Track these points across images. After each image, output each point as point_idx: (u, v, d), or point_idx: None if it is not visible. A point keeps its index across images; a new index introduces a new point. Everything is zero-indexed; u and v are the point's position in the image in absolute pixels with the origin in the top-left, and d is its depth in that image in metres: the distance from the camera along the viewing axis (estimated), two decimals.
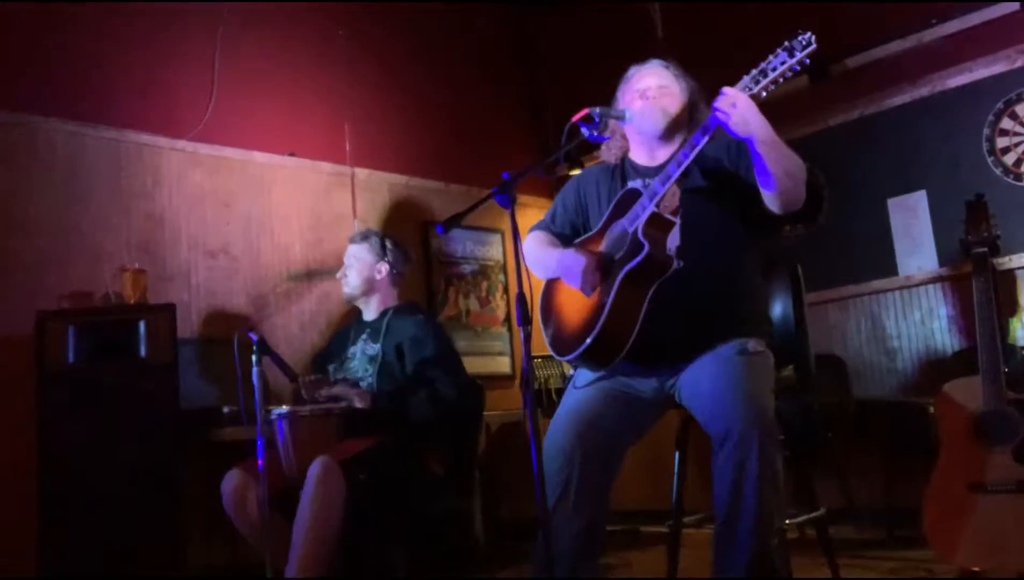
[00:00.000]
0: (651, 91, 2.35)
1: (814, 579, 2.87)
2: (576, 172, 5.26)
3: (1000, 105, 3.81)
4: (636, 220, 2.19)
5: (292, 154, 4.35)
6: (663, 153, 2.35)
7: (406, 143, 4.85)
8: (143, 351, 3.20)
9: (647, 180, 2.28)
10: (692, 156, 2.14)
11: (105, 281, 3.59)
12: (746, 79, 2.09)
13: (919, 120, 4.05)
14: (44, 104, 3.60)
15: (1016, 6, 3.74)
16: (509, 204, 2.02)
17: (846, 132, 4.26)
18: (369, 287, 3.15)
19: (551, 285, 2.42)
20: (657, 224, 2.17)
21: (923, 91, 4.05)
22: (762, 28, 4.51)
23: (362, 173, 4.61)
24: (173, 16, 4.05)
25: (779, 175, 2.12)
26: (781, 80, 2.06)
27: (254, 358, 2.49)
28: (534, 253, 2.49)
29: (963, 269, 3.76)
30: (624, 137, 2.44)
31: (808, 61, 2.04)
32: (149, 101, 3.93)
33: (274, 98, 4.36)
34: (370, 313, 3.18)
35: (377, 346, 3.02)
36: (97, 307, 3.46)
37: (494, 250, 5.18)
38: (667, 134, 2.33)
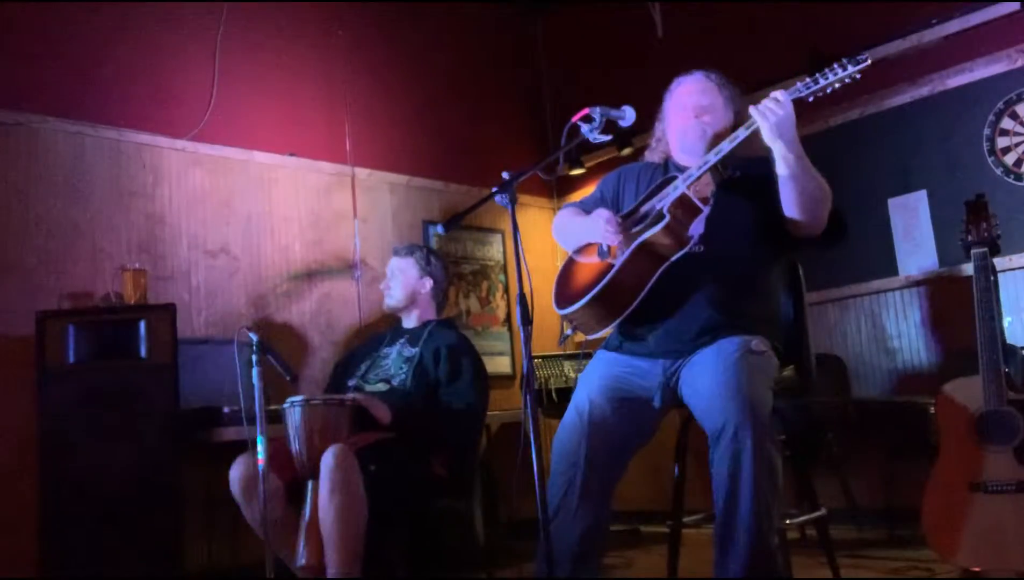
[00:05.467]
0: (693, 110, 2.40)
1: (814, 579, 2.87)
2: (577, 172, 5.28)
3: (1000, 105, 3.81)
4: (665, 198, 2.25)
5: (292, 154, 4.35)
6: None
7: (406, 143, 4.85)
8: (143, 351, 3.20)
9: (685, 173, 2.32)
10: (731, 147, 2.21)
11: (105, 281, 3.60)
12: (799, 85, 2.17)
13: (919, 120, 4.05)
14: (44, 104, 3.60)
15: (1016, 6, 3.74)
16: (509, 204, 2.03)
17: (846, 132, 4.26)
18: (412, 300, 3.24)
19: (569, 262, 2.48)
20: (685, 205, 2.22)
21: (923, 91, 4.04)
22: (762, 28, 4.52)
23: (362, 173, 4.61)
24: (173, 16, 4.05)
25: (799, 194, 2.19)
26: (829, 90, 2.15)
27: (254, 358, 2.49)
28: (564, 223, 2.55)
29: (963, 269, 3.76)
30: (668, 143, 2.50)
31: (859, 76, 2.13)
32: (149, 101, 3.93)
33: (274, 98, 4.36)
34: (411, 322, 3.25)
35: (416, 349, 3.08)
36: (97, 307, 3.46)
37: (494, 250, 5.18)
38: (709, 150, 2.36)
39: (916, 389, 3.91)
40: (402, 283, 3.24)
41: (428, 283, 3.25)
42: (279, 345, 3.94)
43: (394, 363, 3.10)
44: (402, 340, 3.18)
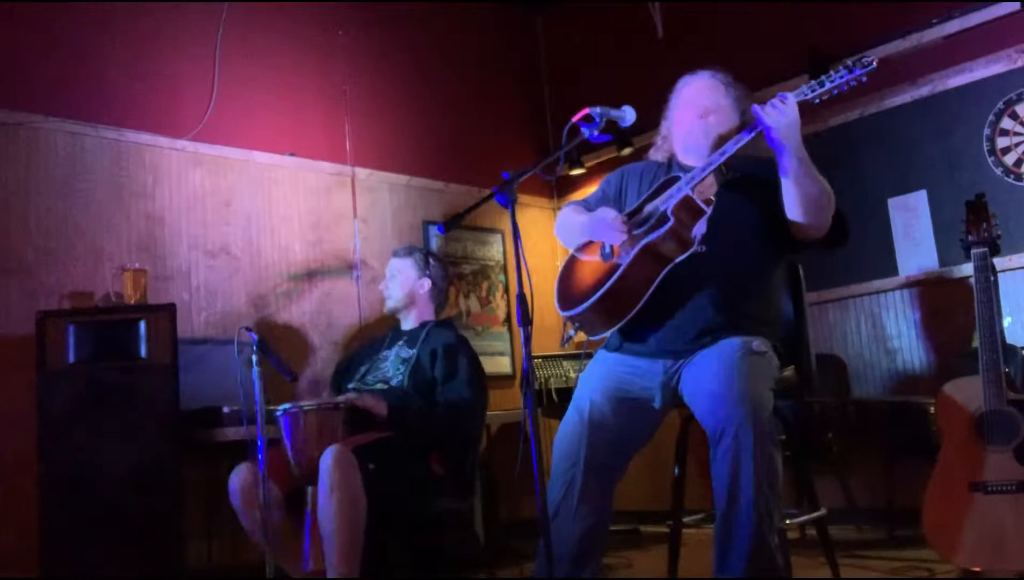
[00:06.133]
0: (699, 110, 2.40)
1: (814, 579, 2.87)
2: (577, 172, 5.28)
3: (1000, 105, 3.81)
4: (669, 200, 2.25)
5: (292, 154, 4.35)
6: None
7: (406, 143, 4.85)
8: (143, 351, 3.20)
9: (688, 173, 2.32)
10: (735, 148, 2.21)
11: (105, 281, 3.60)
12: (804, 88, 2.18)
13: (919, 120, 4.05)
14: (44, 104, 3.60)
15: (1016, 6, 3.74)
16: (509, 204, 2.03)
17: (846, 132, 4.26)
18: (410, 301, 3.26)
19: (571, 260, 2.48)
20: (688, 207, 2.22)
21: (923, 91, 4.04)
22: (762, 28, 4.52)
23: (362, 173, 4.61)
24: (173, 16, 4.05)
25: (803, 198, 2.19)
26: (835, 92, 2.17)
27: (254, 358, 2.49)
28: (567, 221, 2.53)
29: (963, 269, 3.76)
30: (672, 142, 2.50)
31: (865, 80, 2.14)
32: (149, 101, 3.93)
33: (274, 98, 4.36)
34: (409, 323, 3.26)
35: (413, 351, 3.09)
36: (97, 307, 3.46)
37: (494, 250, 5.18)
38: (714, 151, 2.35)
39: (916, 389, 3.91)
40: (400, 284, 3.26)
41: (426, 284, 3.26)
42: (279, 345, 3.95)
43: (392, 365, 3.11)
44: (400, 342, 3.19)
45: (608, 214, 2.32)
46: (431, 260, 3.31)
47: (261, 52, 4.34)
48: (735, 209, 2.32)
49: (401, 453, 2.80)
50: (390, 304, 3.29)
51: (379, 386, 3.05)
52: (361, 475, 2.56)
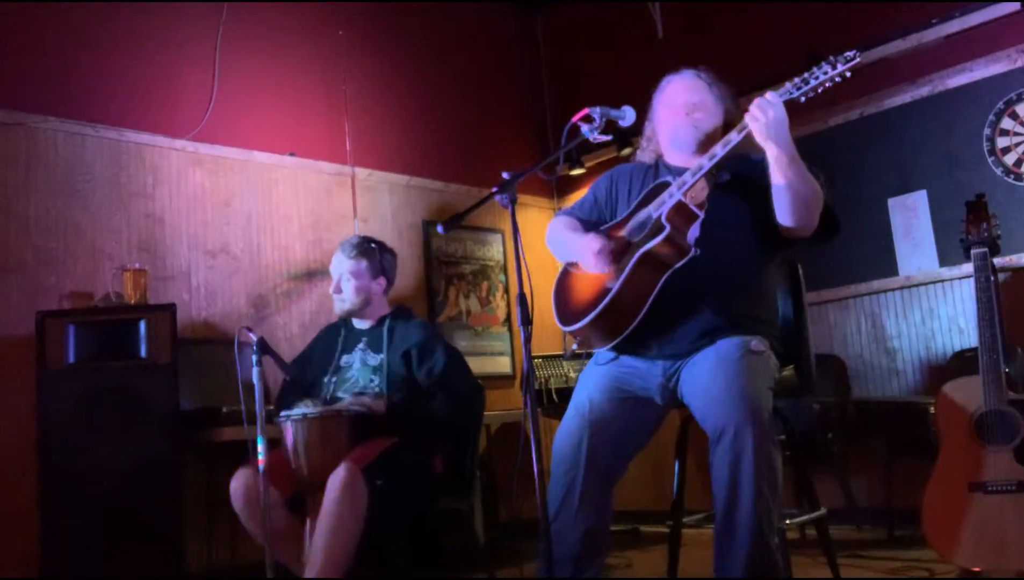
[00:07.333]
0: (684, 107, 2.38)
1: (814, 579, 2.87)
2: (577, 172, 5.28)
3: (1000, 105, 3.81)
4: (662, 206, 2.23)
5: (292, 154, 4.35)
6: (698, 159, 2.36)
7: (406, 143, 4.85)
8: (143, 351, 3.20)
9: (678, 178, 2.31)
10: (725, 152, 2.19)
11: (105, 281, 3.60)
12: (788, 85, 2.16)
13: (919, 120, 4.05)
14: (44, 104, 3.60)
15: (1016, 6, 3.74)
16: (509, 204, 2.03)
17: (846, 132, 4.26)
18: (366, 303, 3.07)
19: (566, 272, 2.46)
20: (682, 213, 2.21)
21: (923, 91, 4.04)
22: (761, 28, 4.52)
23: (362, 173, 4.61)
24: (173, 16, 4.05)
25: (793, 198, 2.17)
26: (820, 89, 2.14)
27: (254, 358, 2.48)
28: (557, 235, 2.52)
29: (963, 269, 3.76)
30: (659, 142, 2.48)
31: (850, 74, 2.11)
32: (149, 101, 3.93)
33: (274, 98, 4.36)
34: (364, 323, 3.11)
35: (380, 356, 2.98)
36: (97, 307, 3.46)
37: (494, 250, 5.18)
38: (700, 147, 2.35)
39: (916, 389, 3.91)
40: (356, 287, 3.05)
41: (383, 282, 3.10)
42: (279, 345, 3.95)
43: (360, 373, 2.98)
44: (360, 345, 3.06)
45: (594, 245, 2.29)
46: (383, 254, 3.12)
47: (261, 52, 4.34)
48: (728, 211, 2.30)
49: (407, 461, 2.77)
50: (344, 307, 3.07)
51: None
52: (368, 492, 2.55)
